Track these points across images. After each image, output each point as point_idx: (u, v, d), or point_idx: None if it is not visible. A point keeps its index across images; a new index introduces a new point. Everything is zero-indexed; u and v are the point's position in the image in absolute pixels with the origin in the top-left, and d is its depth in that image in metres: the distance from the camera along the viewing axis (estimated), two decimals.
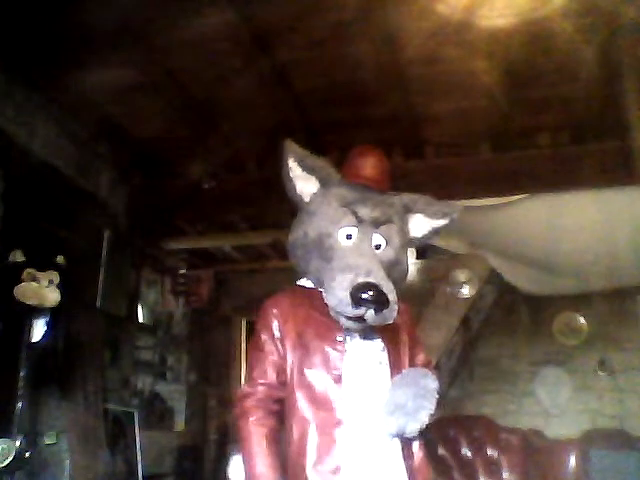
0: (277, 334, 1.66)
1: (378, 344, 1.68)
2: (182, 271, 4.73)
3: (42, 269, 2.60)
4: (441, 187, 3.18)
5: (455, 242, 4.25)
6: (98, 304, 3.17)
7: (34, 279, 2.55)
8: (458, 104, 2.94)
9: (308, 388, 1.62)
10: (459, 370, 4.91)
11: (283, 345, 1.65)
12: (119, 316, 3.46)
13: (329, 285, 1.57)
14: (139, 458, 3.41)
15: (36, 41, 2.37)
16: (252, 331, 1.77)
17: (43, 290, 2.57)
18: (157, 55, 2.55)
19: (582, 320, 4.87)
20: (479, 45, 2.46)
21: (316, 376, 1.61)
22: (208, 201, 3.50)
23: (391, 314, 1.54)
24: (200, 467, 4.52)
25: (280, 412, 1.63)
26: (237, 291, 5.05)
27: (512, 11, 2.30)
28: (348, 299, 1.51)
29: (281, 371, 1.64)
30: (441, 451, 4.18)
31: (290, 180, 1.74)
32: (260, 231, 4.26)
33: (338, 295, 1.53)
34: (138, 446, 3.41)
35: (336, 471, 1.53)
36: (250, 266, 4.99)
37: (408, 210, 1.79)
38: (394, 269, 1.69)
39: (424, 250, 4.67)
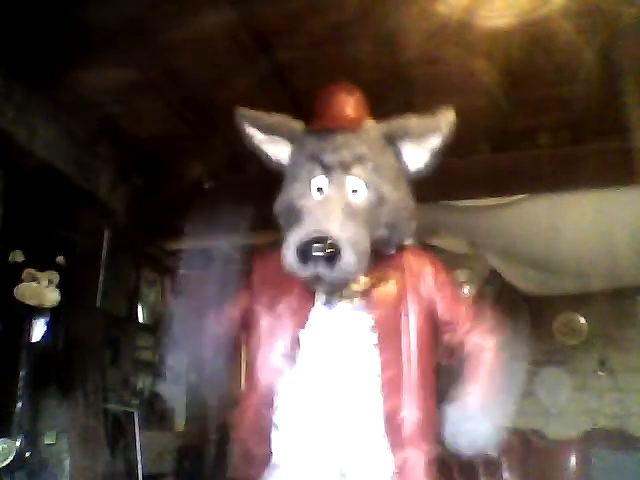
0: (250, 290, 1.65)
1: (365, 320, 1.49)
2: (182, 271, 4.72)
3: (42, 269, 2.61)
4: (441, 187, 3.17)
5: (455, 242, 4.25)
6: (98, 304, 3.17)
7: (34, 279, 2.56)
8: (458, 104, 2.92)
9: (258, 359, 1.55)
10: (459, 370, 4.89)
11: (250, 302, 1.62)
12: (119, 316, 3.45)
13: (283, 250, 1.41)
14: (139, 458, 3.40)
15: (36, 41, 2.37)
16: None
17: (43, 290, 2.58)
18: (157, 55, 2.55)
19: (582, 320, 4.87)
20: (479, 45, 2.46)
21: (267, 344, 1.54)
22: (208, 201, 3.49)
23: (347, 267, 1.34)
24: (200, 467, 4.51)
25: None
26: None
27: (512, 11, 2.29)
28: (296, 258, 1.36)
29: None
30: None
31: (258, 149, 1.61)
32: (260, 231, 4.24)
33: (288, 257, 1.38)
34: (138, 446, 3.41)
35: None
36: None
37: (392, 140, 1.56)
38: (381, 211, 1.48)
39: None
